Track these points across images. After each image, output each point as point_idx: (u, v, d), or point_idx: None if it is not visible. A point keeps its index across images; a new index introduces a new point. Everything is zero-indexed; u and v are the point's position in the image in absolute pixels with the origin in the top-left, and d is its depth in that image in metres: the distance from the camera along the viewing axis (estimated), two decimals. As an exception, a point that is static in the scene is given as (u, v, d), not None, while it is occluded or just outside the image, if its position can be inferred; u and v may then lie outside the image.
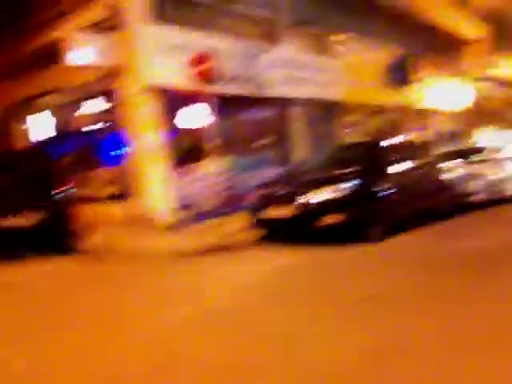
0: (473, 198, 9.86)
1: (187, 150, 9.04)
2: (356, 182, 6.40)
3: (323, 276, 4.99)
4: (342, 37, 12.62)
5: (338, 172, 6.96)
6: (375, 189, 6.70)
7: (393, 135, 13.62)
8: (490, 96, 22.10)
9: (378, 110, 14.38)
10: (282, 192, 6.65)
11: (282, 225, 6.60)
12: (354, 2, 11.89)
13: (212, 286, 4.85)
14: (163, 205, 8.20)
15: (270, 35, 11.02)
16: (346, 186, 6.32)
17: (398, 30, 14.21)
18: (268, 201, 6.74)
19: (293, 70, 10.74)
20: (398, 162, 7.39)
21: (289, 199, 6.49)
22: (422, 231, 7.53)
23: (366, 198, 6.51)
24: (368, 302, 3.82)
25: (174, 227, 7.84)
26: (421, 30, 14.98)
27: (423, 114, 16.63)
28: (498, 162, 11.17)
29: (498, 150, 11.97)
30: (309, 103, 11.54)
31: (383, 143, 8.01)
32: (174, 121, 8.87)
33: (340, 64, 12.18)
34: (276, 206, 6.57)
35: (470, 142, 18.83)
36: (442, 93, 17.02)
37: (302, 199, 6.36)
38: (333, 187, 6.32)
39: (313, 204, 6.31)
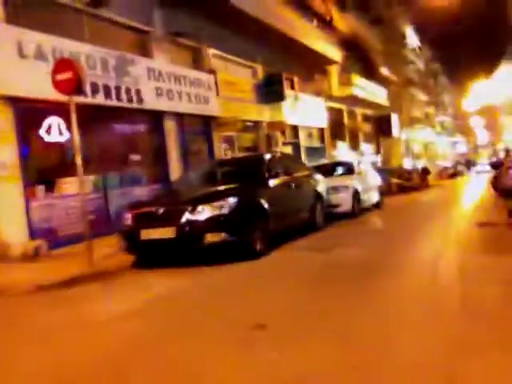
0: (340, 209, 10.44)
1: (46, 168, 8.06)
2: (237, 197, 6.19)
3: (206, 302, 4.58)
4: (217, 52, 12.59)
5: (218, 188, 6.70)
6: (256, 203, 6.58)
7: (267, 150, 14.04)
8: (349, 113, 24.08)
9: (252, 126, 14.64)
10: (160, 211, 6.15)
11: (161, 246, 6.12)
12: (229, 19, 11.92)
13: (69, 326, 4.11)
14: (17, 230, 7.13)
15: (142, 46, 10.52)
16: (228, 202, 6.07)
17: (271, 49, 14.66)
18: (144, 221, 6.19)
19: (167, 82, 10.33)
20: (276, 176, 7.42)
21: (168, 218, 6.03)
22: (300, 243, 7.68)
23: (248, 213, 6.34)
24: (256, 330, 3.55)
25: (31, 256, 6.85)
26: (292, 50, 15.64)
27: (293, 130, 17.40)
28: (360, 174, 12.01)
29: (359, 163, 12.92)
30: (184, 117, 11.24)
31: (261, 158, 7.98)
32: (31, 134, 7.85)
33: (215, 79, 12.09)
34: (154, 227, 6.05)
35: (333, 156, 20.25)
36: (307, 110, 17.98)
37: (183, 218, 5.94)
38: (215, 204, 6.02)
39: (195, 222, 5.94)
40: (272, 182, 7.16)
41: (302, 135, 18.16)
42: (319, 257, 6.46)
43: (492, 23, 49.93)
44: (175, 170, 10.80)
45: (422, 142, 43.86)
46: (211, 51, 12.53)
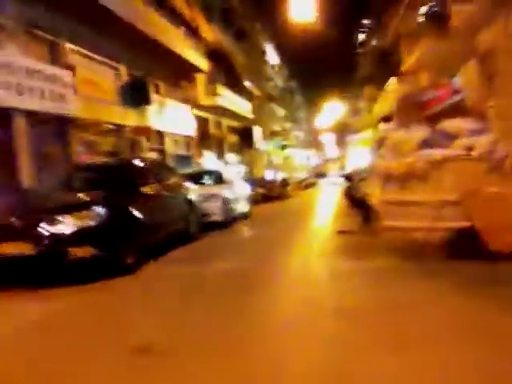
0: (212, 218, 10.31)
1: None
2: (106, 206, 5.59)
3: (83, 326, 4.01)
4: (77, 48, 11.56)
5: (84, 196, 5.99)
6: (127, 213, 6.04)
7: (130, 156, 13.28)
8: (215, 123, 24.26)
9: (114, 129, 13.78)
10: (17, 223, 5.25)
11: (20, 264, 5.21)
12: (95, 16, 11.04)
13: None
14: None
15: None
16: (96, 212, 5.43)
17: (137, 52, 13.97)
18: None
19: (16, 76, 9.11)
20: (149, 183, 6.94)
21: (26, 232, 5.17)
22: (175, 255, 7.34)
23: (119, 224, 5.75)
24: (141, 355, 3.16)
25: None
26: (158, 54, 15.11)
27: (159, 136, 16.86)
28: (229, 183, 12.04)
29: (227, 173, 12.98)
30: (36, 116, 10.04)
31: (132, 163, 7.42)
32: None
33: (73, 76, 11.07)
34: (9, 241, 5.14)
35: (200, 164, 20.11)
36: (175, 116, 17.62)
37: (43, 230, 5.14)
38: (80, 214, 5.33)
39: (57, 235, 5.18)
40: (144, 190, 6.66)
41: (168, 142, 17.70)
42: (195, 270, 6.16)
43: (344, 49, 55.18)
44: (26, 176, 9.56)
45: (281, 154, 46.28)
46: (70, 46, 11.48)
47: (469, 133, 5.97)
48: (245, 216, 12.86)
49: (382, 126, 27.18)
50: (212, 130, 23.74)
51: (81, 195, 6.08)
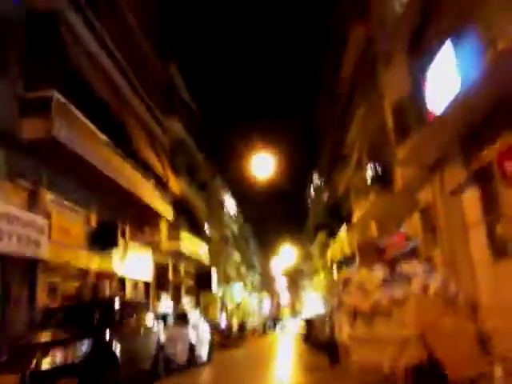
0: (177, 359, 10.22)
1: None
2: (91, 341, 5.78)
3: None
4: (53, 196, 12.26)
5: (68, 332, 6.15)
6: (109, 349, 6.19)
7: (95, 298, 13.22)
8: (173, 268, 24.56)
9: (79, 274, 13.88)
10: (3, 358, 5.32)
11: None
12: (68, 165, 11.99)
13: None
14: None
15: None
16: (82, 347, 5.62)
17: (108, 199, 14.85)
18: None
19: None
20: (127, 321, 7.17)
21: (13, 365, 5.24)
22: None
23: (101, 358, 5.90)
24: None
25: None
26: (128, 203, 16.05)
27: (120, 281, 16.91)
28: (194, 326, 12.12)
29: (192, 316, 13.08)
30: (5, 259, 10.22)
31: (112, 301, 7.69)
32: None
33: (46, 223, 11.56)
34: None
35: (156, 309, 19.87)
36: (135, 262, 17.93)
37: (31, 364, 5.23)
38: (68, 348, 5.50)
39: (46, 368, 5.26)
40: (123, 328, 6.89)
41: (128, 287, 17.69)
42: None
43: (296, 199, 59.19)
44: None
45: (235, 299, 45.96)
46: (48, 195, 12.19)
47: (423, 274, 6.84)
48: (207, 360, 12.69)
49: (335, 270, 28.38)
50: (170, 274, 23.96)
51: (65, 331, 6.22)
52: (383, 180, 13.99)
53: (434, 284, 6.68)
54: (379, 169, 14.21)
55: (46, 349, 5.49)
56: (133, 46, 18.50)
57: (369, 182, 14.99)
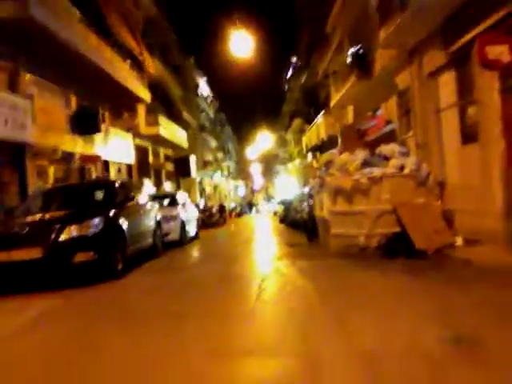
0: (170, 237, 11.07)
1: None
2: (102, 218, 6.32)
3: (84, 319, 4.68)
4: (33, 77, 11.99)
5: (77, 210, 6.66)
6: (117, 225, 6.78)
7: (83, 181, 13.69)
8: (153, 152, 24.90)
9: (65, 157, 14.11)
10: (24, 231, 5.83)
11: (24, 268, 5.78)
12: (46, 46, 11.56)
13: None
14: None
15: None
16: (95, 222, 6.16)
17: (86, 82, 14.55)
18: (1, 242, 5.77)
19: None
20: (129, 200, 7.69)
21: (34, 238, 5.77)
22: (149, 266, 8.09)
23: (111, 234, 6.50)
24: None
25: None
26: (106, 85, 15.74)
27: (104, 165, 17.26)
28: (183, 206, 12.86)
29: (181, 197, 13.78)
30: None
31: (113, 182, 8.15)
32: None
33: (30, 106, 11.48)
34: (15, 248, 5.70)
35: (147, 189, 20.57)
36: (117, 145, 18.14)
37: (51, 237, 5.77)
38: (83, 223, 6.04)
39: (64, 241, 5.84)
40: (126, 206, 7.43)
41: (112, 170, 18.11)
42: (172, 276, 6.99)
43: (274, 86, 58.24)
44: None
45: (213, 183, 47.33)
46: (28, 76, 11.91)
47: (399, 155, 7.43)
48: (196, 237, 13.68)
49: (311, 155, 29.25)
50: (151, 158, 24.36)
51: (75, 209, 6.72)
52: (363, 63, 14.02)
53: (409, 165, 7.32)
54: (360, 50, 14.15)
55: (63, 223, 5.97)
56: None
57: (348, 65, 14.98)
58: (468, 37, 7.82)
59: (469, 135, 8.61)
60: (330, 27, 19.16)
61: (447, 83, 9.51)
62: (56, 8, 11.50)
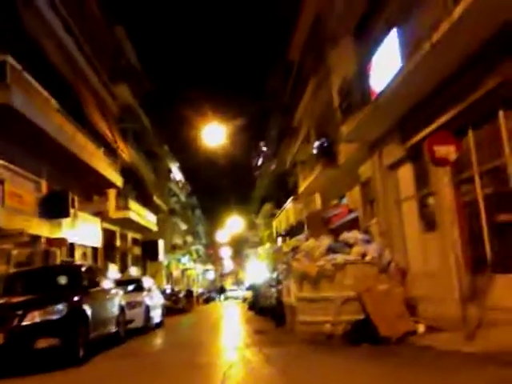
0: (134, 324, 10.76)
1: None
2: (66, 303, 6.23)
3: None
4: (3, 162, 12.14)
5: (45, 294, 6.55)
6: (81, 310, 6.65)
7: (48, 265, 13.36)
8: (121, 236, 24.69)
9: (30, 240, 13.89)
10: None
11: None
12: (20, 132, 11.89)
13: None
14: None
15: None
16: (59, 308, 6.06)
17: (57, 167, 14.80)
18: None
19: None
20: (94, 285, 7.61)
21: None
22: (112, 352, 7.88)
23: (75, 319, 6.37)
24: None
25: None
26: (78, 170, 16.03)
27: (70, 248, 16.99)
28: (149, 291, 12.64)
29: (146, 282, 13.58)
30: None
31: (79, 267, 8.10)
32: None
33: (2, 189, 11.52)
34: None
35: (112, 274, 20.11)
36: (84, 229, 18.00)
37: (13, 323, 5.64)
38: (47, 309, 5.92)
39: (26, 327, 5.70)
40: (91, 292, 7.34)
41: (77, 254, 17.80)
42: (135, 362, 6.85)
43: (243, 171, 59.82)
44: None
45: (181, 267, 46.59)
46: (0, 162, 12.06)
47: (362, 242, 7.74)
48: (160, 324, 13.31)
49: (281, 239, 29.54)
50: (118, 242, 24.10)
51: (39, 294, 6.61)
52: (328, 154, 14.86)
53: (371, 252, 7.61)
54: (325, 143, 15.03)
55: (26, 308, 5.87)
56: (84, 10, 18.03)
57: (315, 155, 15.81)
58: (422, 134, 8.55)
59: (428, 224, 9.08)
60: (297, 121, 20.42)
61: (406, 175, 10.17)
62: (35, 98, 11.98)
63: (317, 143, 15.58)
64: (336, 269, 7.31)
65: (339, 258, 7.40)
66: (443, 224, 8.04)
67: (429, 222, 9.04)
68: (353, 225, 12.56)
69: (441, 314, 7.24)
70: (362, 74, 10.58)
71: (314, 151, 15.79)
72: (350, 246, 7.80)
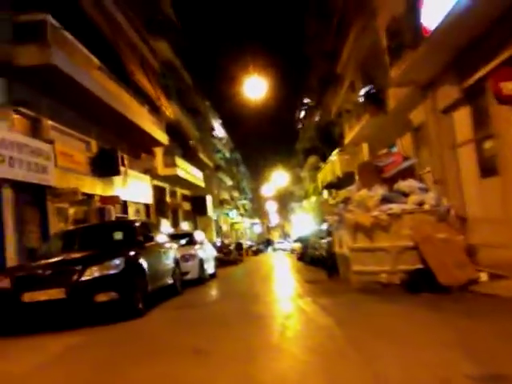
0: (189, 276, 11.07)
1: None
2: (123, 258, 6.41)
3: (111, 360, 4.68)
4: (55, 124, 12.42)
5: (102, 249, 6.77)
6: (138, 265, 6.85)
7: (103, 221, 13.86)
8: (171, 192, 25.22)
9: (85, 199, 14.38)
10: (47, 272, 5.95)
11: (48, 308, 5.92)
12: (67, 92, 12.03)
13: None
14: None
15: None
16: (116, 263, 6.25)
17: (106, 126, 15.03)
18: (26, 283, 5.93)
19: (9, 150, 9.81)
20: (148, 240, 7.79)
21: (57, 280, 5.89)
22: (169, 304, 8.13)
23: (132, 273, 6.57)
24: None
25: None
26: (125, 130, 16.24)
27: (123, 205, 17.52)
28: (201, 245, 12.90)
29: (199, 236, 13.84)
30: (19, 186, 10.63)
31: (133, 223, 8.29)
32: None
33: (53, 149, 11.85)
34: (40, 289, 5.80)
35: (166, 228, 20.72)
36: (135, 186, 18.45)
37: (73, 278, 5.88)
38: (104, 264, 6.13)
39: (86, 282, 5.94)
40: (146, 246, 7.52)
41: (130, 211, 18.36)
42: (193, 312, 7.06)
43: (287, 125, 59.12)
44: (10, 243, 10.00)
45: (230, 221, 47.46)
46: (50, 122, 12.34)
47: (418, 190, 7.43)
48: (213, 275, 13.64)
49: (327, 192, 29.27)
50: (168, 198, 24.65)
51: (96, 249, 6.84)
52: (376, 101, 14.22)
53: (428, 200, 7.30)
54: (372, 90, 14.38)
55: (85, 264, 6.09)
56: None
57: (361, 103, 15.21)
58: (482, 72, 7.93)
59: (487, 169, 8.60)
60: (341, 67, 19.57)
61: (462, 118, 9.58)
62: (76, 57, 12.01)
63: (363, 90, 14.92)
64: (392, 219, 7.09)
65: (395, 207, 7.16)
66: (506, 168, 7.57)
67: (488, 167, 8.55)
68: (407, 174, 12.09)
69: (504, 261, 6.93)
70: (413, 11, 9.83)
71: (361, 99, 15.17)
72: (406, 195, 7.52)
